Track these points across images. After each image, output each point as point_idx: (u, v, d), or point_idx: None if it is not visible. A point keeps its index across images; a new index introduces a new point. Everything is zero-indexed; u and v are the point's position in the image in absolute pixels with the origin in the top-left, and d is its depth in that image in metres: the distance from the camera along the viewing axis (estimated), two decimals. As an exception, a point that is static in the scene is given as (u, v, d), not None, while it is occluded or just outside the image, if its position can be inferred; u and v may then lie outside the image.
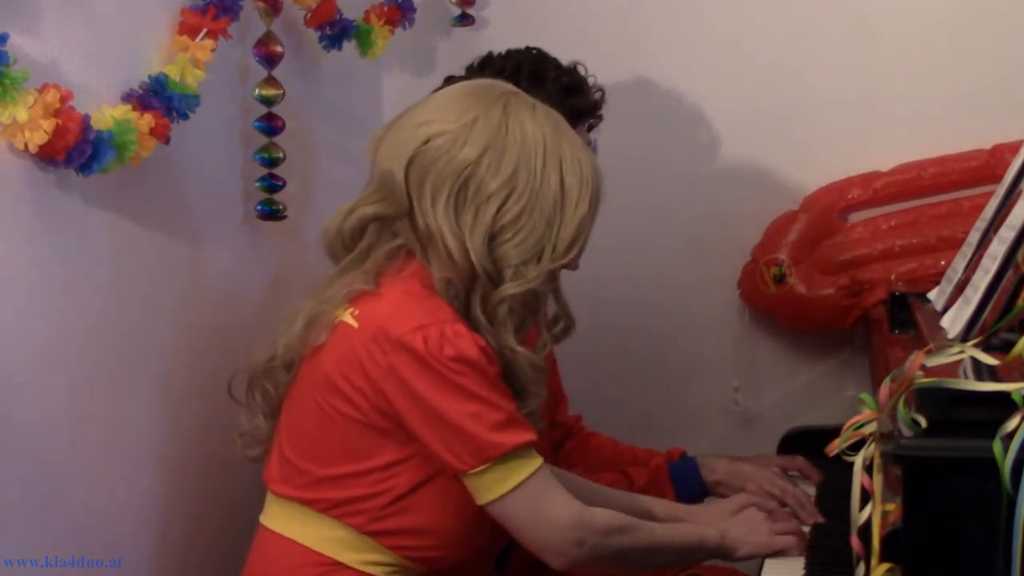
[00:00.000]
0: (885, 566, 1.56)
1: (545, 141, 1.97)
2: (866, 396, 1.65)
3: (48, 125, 1.81)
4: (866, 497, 1.61)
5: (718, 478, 2.42)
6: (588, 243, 2.02)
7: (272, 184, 2.46)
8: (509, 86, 2.06)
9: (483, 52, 2.50)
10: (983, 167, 2.83)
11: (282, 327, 2.02)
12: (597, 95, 2.45)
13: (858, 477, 1.61)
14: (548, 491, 1.93)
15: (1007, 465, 1.46)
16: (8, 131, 1.81)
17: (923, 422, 1.53)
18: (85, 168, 1.91)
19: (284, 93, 2.44)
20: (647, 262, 3.04)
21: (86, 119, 1.89)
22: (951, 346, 1.64)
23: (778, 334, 3.02)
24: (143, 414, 2.18)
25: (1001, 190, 2.22)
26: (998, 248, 1.93)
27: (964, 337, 1.87)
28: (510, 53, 2.46)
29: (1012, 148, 2.70)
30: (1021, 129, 2.78)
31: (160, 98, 2.07)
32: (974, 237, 2.23)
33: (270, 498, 2.05)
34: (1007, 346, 1.60)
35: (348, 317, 1.95)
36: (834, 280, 2.89)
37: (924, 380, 1.55)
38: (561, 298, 2.05)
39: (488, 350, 1.92)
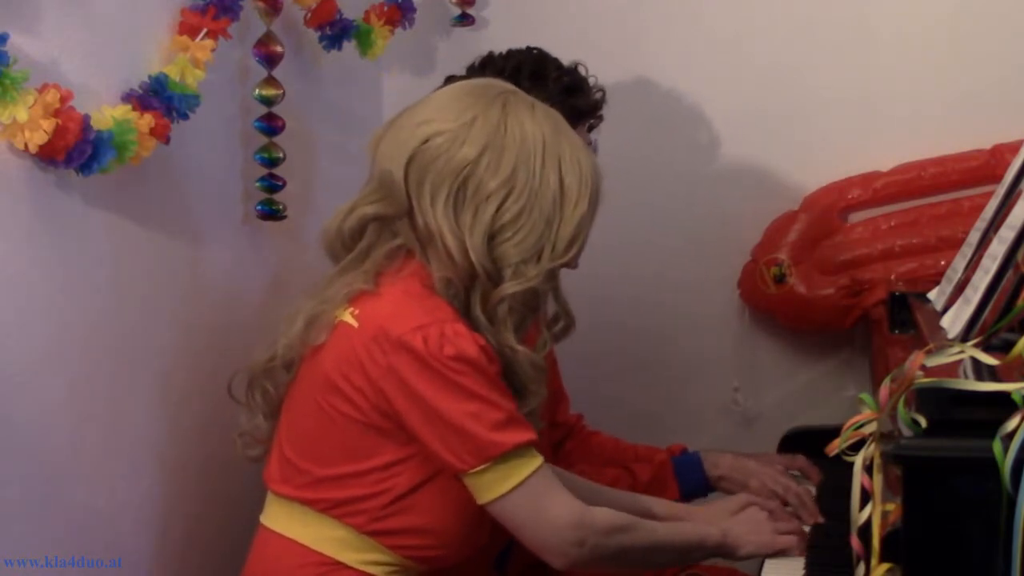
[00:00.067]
0: (885, 566, 1.56)
1: (544, 140, 1.97)
2: (866, 396, 1.65)
3: (48, 125, 1.81)
4: (866, 497, 1.61)
5: (722, 473, 2.43)
6: (588, 242, 2.02)
7: (272, 184, 2.46)
8: (508, 85, 2.06)
9: (483, 52, 2.50)
10: (983, 167, 2.83)
11: (282, 327, 2.02)
12: (598, 95, 2.45)
13: (858, 477, 1.61)
14: (548, 490, 1.93)
15: (1007, 465, 1.46)
16: (8, 131, 1.81)
17: (923, 422, 1.53)
18: (85, 168, 1.91)
19: (284, 93, 2.44)
20: (647, 262, 3.04)
21: (86, 119, 1.89)
22: (951, 346, 1.64)
23: (778, 334, 3.02)
24: (143, 414, 2.18)
25: (1001, 190, 2.22)
26: (998, 248, 1.93)
27: (964, 337, 1.87)
28: (511, 53, 2.46)
29: (1012, 148, 2.70)
30: (1021, 129, 2.78)
31: (160, 98, 2.07)
32: (974, 237, 2.23)
33: (270, 498, 2.05)
34: (1007, 346, 1.60)
35: (348, 317, 1.95)
36: (834, 280, 2.89)
37: (924, 380, 1.55)
38: (561, 297, 2.05)
39: (488, 349, 1.92)
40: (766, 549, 2.15)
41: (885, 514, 1.59)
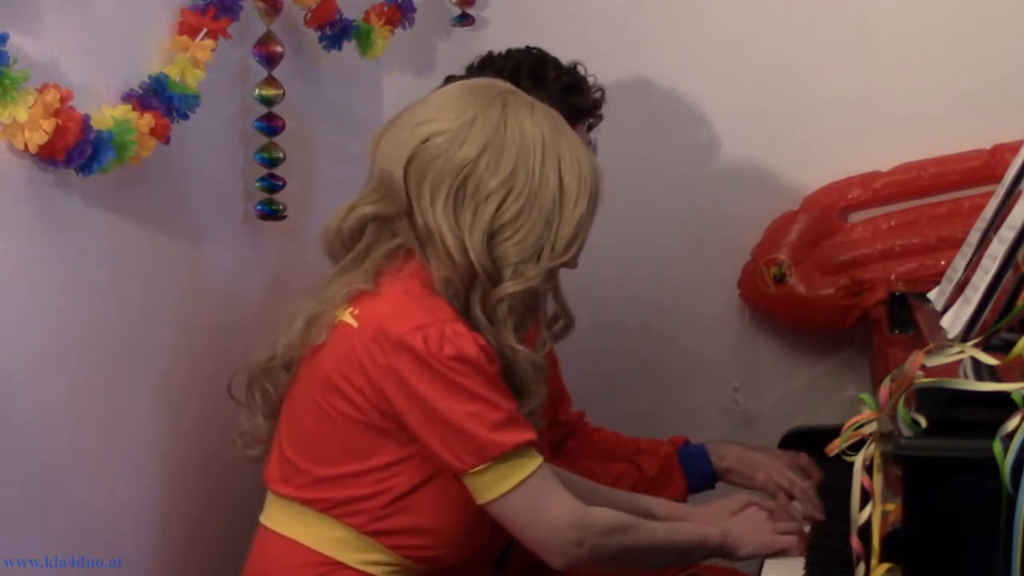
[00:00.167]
0: (885, 566, 1.56)
1: (544, 140, 1.97)
2: (866, 396, 1.65)
3: (48, 125, 1.81)
4: (866, 497, 1.61)
5: (728, 465, 2.43)
6: (587, 242, 2.02)
7: (272, 184, 2.46)
8: (508, 85, 2.06)
9: (483, 52, 2.50)
10: (983, 167, 2.83)
11: (282, 327, 2.03)
12: (597, 94, 2.45)
13: (858, 477, 1.61)
14: (548, 490, 1.93)
15: (1007, 465, 1.46)
16: (8, 131, 1.81)
17: (923, 422, 1.53)
18: (85, 168, 1.91)
19: (284, 93, 2.44)
20: (647, 262, 3.04)
21: (86, 119, 1.89)
22: (951, 346, 1.64)
23: (778, 334, 3.02)
24: (143, 414, 2.18)
25: (1001, 190, 2.22)
26: (998, 248, 1.93)
27: (964, 337, 1.87)
28: (510, 53, 2.46)
29: (1012, 148, 2.70)
30: (1021, 129, 2.78)
31: (160, 98, 2.07)
32: (974, 237, 2.23)
33: (270, 498, 2.05)
34: (1007, 346, 1.60)
35: (348, 317, 1.95)
36: (834, 280, 2.89)
37: (924, 380, 1.55)
38: (560, 296, 2.05)
39: (488, 349, 1.92)
40: (766, 549, 2.15)
41: (885, 514, 1.59)
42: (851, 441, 1.65)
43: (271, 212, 2.47)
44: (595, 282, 2.76)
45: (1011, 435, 1.47)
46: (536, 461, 1.92)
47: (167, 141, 2.09)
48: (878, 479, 1.60)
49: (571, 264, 2.01)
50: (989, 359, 1.60)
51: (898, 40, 2.90)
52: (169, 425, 2.24)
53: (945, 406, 1.54)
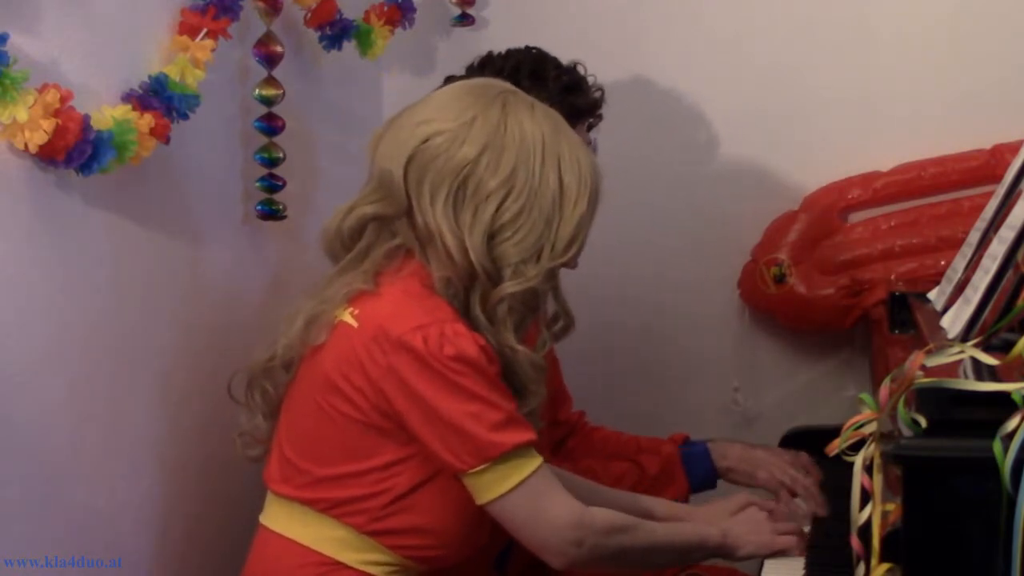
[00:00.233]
0: (885, 566, 1.56)
1: (544, 140, 1.97)
2: (866, 396, 1.65)
3: (48, 125, 1.81)
4: (866, 497, 1.61)
5: (730, 464, 2.43)
6: (588, 243, 2.02)
7: (272, 184, 2.46)
8: (508, 85, 2.06)
9: (483, 52, 2.50)
10: (983, 167, 2.83)
11: (282, 327, 2.03)
12: (597, 94, 2.45)
13: (858, 477, 1.61)
14: (548, 491, 1.93)
15: (1007, 465, 1.46)
16: (8, 131, 1.81)
17: (923, 422, 1.53)
18: (85, 168, 1.91)
19: (284, 93, 2.44)
20: (647, 262, 3.04)
21: (86, 119, 1.89)
22: (951, 346, 1.64)
23: (778, 334, 3.02)
24: (143, 414, 2.18)
25: (1001, 190, 2.22)
26: (998, 248, 1.93)
27: (964, 337, 1.87)
28: (510, 53, 2.46)
29: (1012, 148, 2.70)
30: (1021, 129, 2.78)
31: (160, 98, 2.07)
32: (974, 237, 2.23)
33: (270, 498, 2.05)
34: (1007, 346, 1.60)
35: (348, 317, 1.95)
36: (834, 280, 2.89)
37: (924, 380, 1.55)
38: (560, 296, 2.05)
39: (488, 349, 1.92)
40: (765, 549, 2.15)
41: (885, 514, 1.59)
42: (851, 441, 1.65)
43: (271, 212, 2.47)
44: (595, 282, 2.76)
45: (1011, 435, 1.47)
46: (536, 461, 1.92)
47: (167, 141, 2.09)
48: (878, 479, 1.60)
49: (571, 264, 2.01)
50: (989, 359, 1.60)
51: (898, 40, 2.90)
52: (169, 425, 2.24)
53: (945, 406, 1.54)
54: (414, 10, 2.88)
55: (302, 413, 2.00)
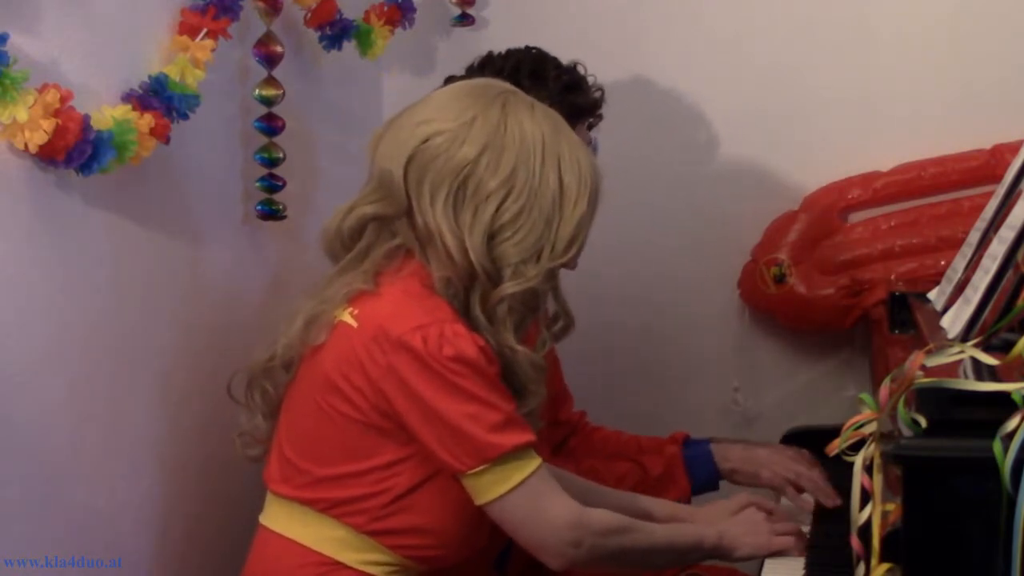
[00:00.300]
0: (885, 566, 1.56)
1: (544, 140, 1.97)
2: (866, 396, 1.65)
3: (48, 125, 1.81)
4: (866, 497, 1.61)
5: (733, 466, 2.42)
6: (588, 243, 2.02)
7: (272, 184, 2.46)
8: (508, 85, 2.06)
9: (483, 52, 2.50)
10: (983, 167, 2.83)
11: (282, 327, 2.03)
12: (597, 94, 2.45)
13: (858, 477, 1.61)
14: (546, 492, 1.93)
15: (1007, 465, 1.46)
16: (8, 131, 1.81)
17: (923, 422, 1.53)
18: (85, 168, 1.91)
19: (284, 93, 2.44)
20: (647, 262, 3.04)
21: (86, 119, 1.89)
22: (951, 346, 1.64)
23: (778, 334, 3.02)
24: (143, 414, 2.18)
25: (1001, 190, 2.22)
26: (998, 248, 1.93)
27: (964, 337, 1.87)
28: (510, 53, 2.46)
29: (1012, 148, 2.70)
30: (1021, 129, 2.78)
31: (160, 98, 2.07)
32: (974, 237, 2.23)
33: (270, 498, 2.05)
34: (1007, 346, 1.60)
35: (348, 317, 1.95)
36: (834, 280, 2.89)
37: (924, 380, 1.55)
38: (560, 296, 2.05)
39: (487, 350, 1.92)
40: (763, 550, 2.14)
41: (885, 514, 1.59)
42: (851, 441, 1.65)
43: (271, 212, 2.47)
44: (595, 282, 2.77)
45: (1011, 435, 1.47)
46: (535, 462, 1.92)
47: (167, 141, 2.09)
48: (878, 479, 1.60)
49: (571, 264, 2.01)
50: (989, 359, 1.60)
51: (898, 40, 2.90)
52: (169, 425, 2.24)
53: (945, 406, 1.54)
54: (414, 10, 2.88)
55: (302, 413, 2.00)
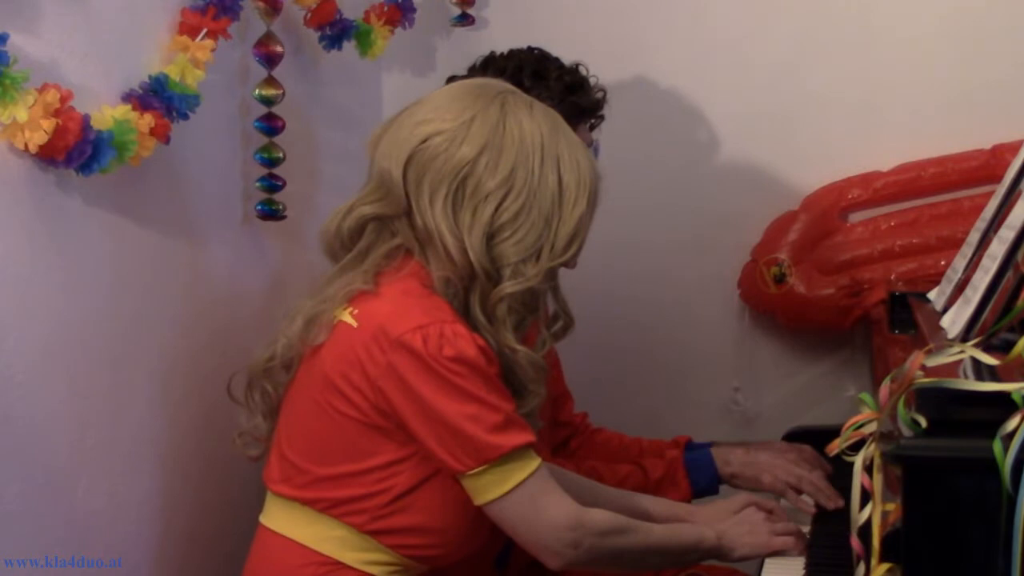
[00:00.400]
0: (885, 566, 1.56)
1: (543, 140, 1.97)
2: (866, 396, 1.65)
3: (48, 125, 1.81)
4: (866, 497, 1.61)
5: (733, 470, 2.42)
6: (588, 243, 2.02)
7: (272, 184, 2.46)
8: (507, 85, 2.06)
9: (483, 52, 2.50)
10: (983, 167, 2.83)
11: (281, 327, 2.03)
12: (599, 94, 2.45)
13: (858, 477, 1.61)
14: (546, 492, 1.93)
15: (1007, 465, 1.46)
16: (8, 131, 1.81)
17: (923, 422, 1.53)
18: (85, 168, 1.91)
19: (284, 93, 2.44)
20: (647, 262, 3.04)
21: (86, 119, 1.89)
22: (951, 346, 1.64)
23: (778, 334, 3.02)
24: (143, 414, 2.18)
25: (1001, 190, 2.22)
26: (998, 248, 1.93)
27: (964, 337, 1.87)
28: (513, 53, 2.46)
29: (1012, 148, 2.70)
30: (1021, 129, 2.78)
31: (160, 98, 2.07)
32: (974, 237, 2.23)
33: (270, 498, 2.05)
34: (1007, 346, 1.60)
35: (347, 317, 1.95)
36: (834, 280, 2.89)
37: (924, 380, 1.55)
38: (560, 296, 2.05)
39: (487, 350, 1.92)
40: (762, 550, 2.14)
41: (885, 514, 1.59)
42: (851, 441, 1.65)
43: (271, 212, 2.47)
44: (596, 282, 2.76)
45: (1011, 435, 1.47)
46: (534, 463, 1.92)
47: (167, 141, 2.09)
48: (878, 479, 1.60)
49: (570, 264, 2.01)
50: (989, 359, 1.60)
51: (898, 40, 2.90)
52: (169, 425, 2.24)
53: (945, 406, 1.54)
54: (414, 10, 2.88)
55: (302, 413, 2.00)
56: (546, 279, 1.98)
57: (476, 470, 1.89)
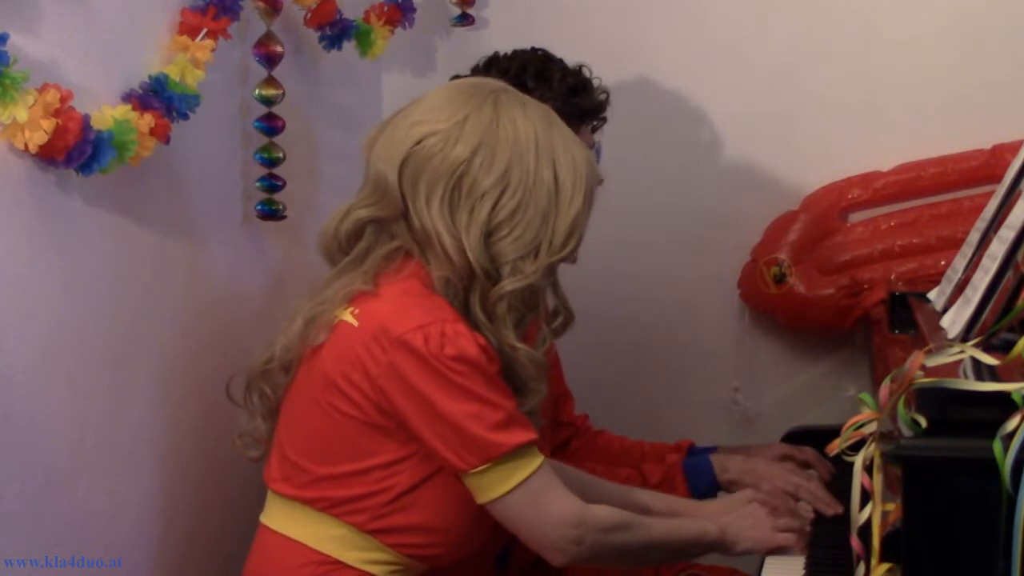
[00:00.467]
0: (885, 566, 1.56)
1: (537, 137, 1.97)
2: (866, 396, 1.65)
3: (48, 125, 1.81)
4: (866, 497, 1.61)
5: (732, 477, 2.42)
6: (587, 243, 2.02)
7: (272, 184, 2.46)
8: (500, 83, 2.06)
9: (483, 52, 2.50)
10: (983, 167, 2.83)
11: (280, 328, 2.03)
12: (602, 96, 2.44)
13: (858, 477, 1.61)
14: (549, 489, 1.93)
15: (1007, 465, 1.46)
16: (8, 131, 1.81)
17: (923, 422, 1.53)
18: (85, 168, 1.91)
19: (284, 93, 2.44)
20: (647, 262, 3.04)
21: (86, 119, 1.89)
22: (951, 346, 1.64)
23: (778, 334, 3.02)
24: (143, 414, 2.18)
25: (1001, 190, 2.22)
26: (998, 248, 1.93)
27: (964, 337, 1.87)
28: (516, 54, 2.46)
29: (1012, 148, 2.70)
30: (1021, 129, 2.78)
31: (160, 98, 2.07)
32: (974, 237, 2.23)
33: (271, 497, 2.05)
34: (1007, 346, 1.60)
35: (348, 316, 1.95)
36: (834, 280, 2.89)
37: (924, 380, 1.55)
38: (559, 291, 2.05)
39: (488, 349, 1.92)
40: (764, 545, 2.14)
41: (885, 514, 1.59)
42: (851, 441, 1.65)
43: (271, 212, 2.47)
44: (596, 282, 2.77)
45: (1011, 435, 1.47)
46: (537, 460, 1.92)
47: (167, 141, 2.09)
48: (878, 479, 1.60)
49: (570, 259, 2.01)
50: (989, 359, 1.60)
51: (898, 40, 2.90)
52: (169, 425, 2.24)
53: (945, 406, 1.54)
54: (414, 10, 2.88)
55: (302, 412, 2.00)
56: (545, 275, 1.98)
57: (479, 468, 1.89)
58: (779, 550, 2.14)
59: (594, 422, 2.64)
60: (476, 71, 2.45)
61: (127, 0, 2.09)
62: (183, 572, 2.29)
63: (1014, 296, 1.82)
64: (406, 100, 2.09)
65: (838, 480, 2.28)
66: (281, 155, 2.46)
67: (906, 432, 1.54)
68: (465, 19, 3.01)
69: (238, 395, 2.09)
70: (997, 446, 1.47)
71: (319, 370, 1.96)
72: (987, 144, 2.84)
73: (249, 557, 2.07)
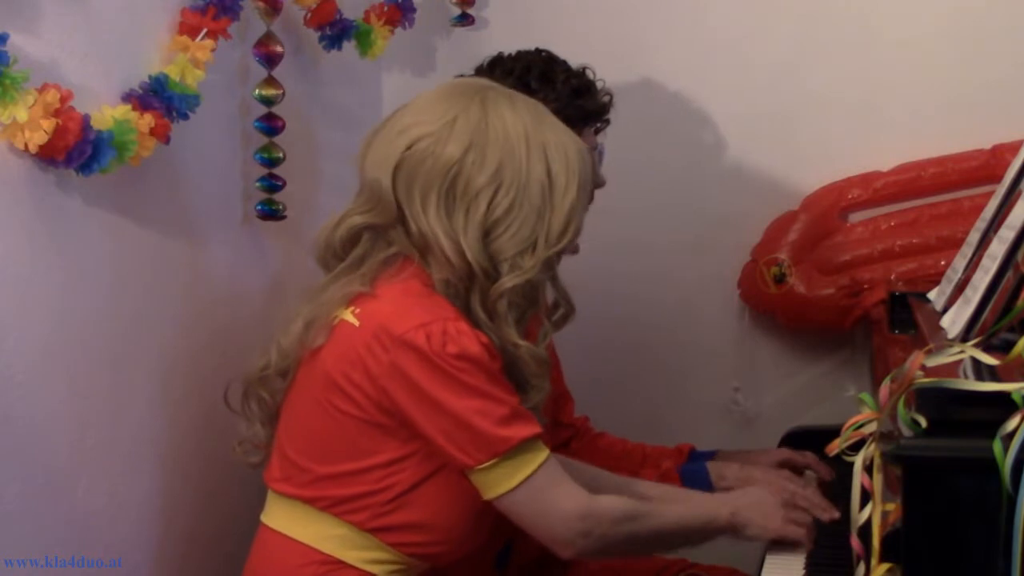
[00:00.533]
0: (885, 566, 1.56)
1: (527, 131, 1.97)
2: (866, 396, 1.65)
3: (48, 125, 1.81)
4: (866, 497, 1.61)
5: (728, 484, 2.41)
6: (587, 242, 2.02)
7: (272, 184, 2.46)
8: (486, 82, 2.06)
9: (483, 52, 2.50)
10: (983, 167, 2.83)
11: (276, 333, 2.02)
12: (605, 98, 2.44)
13: (858, 477, 1.61)
14: (556, 483, 1.93)
15: (1007, 465, 1.46)
16: (8, 131, 1.81)
17: (923, 422, 1.53)
18: (85, 168, 1.91)
19: (284, 93, 2.44)
20: (647, 262, 3.04)
21: (86, 119, 1.89)
22: (951, 346, 1.64)
23: (778, 334, 3.02)
24: (143, 414, 2.18)
25: (1001, 190, 2.22)
26: (998, 248, 1.93)
27: (964, 337, 1.87)
28: (520, 55, 2.45)
29: (1012, 148, 2.70)
30: (1021, 129, 2.78)
31: (160, 98, 2.08)
32: (974, 237, 2.23)
33: (271, 497, 2.05)
34: (1007, 346, 1.60)
35: (349, 316, 1.95)
36: (834, 280, 2.89)
37: (924, 380, 1.55)
38: (559, 284, 2.05)
39: (490, 346, 1.92)
40: (773, 534, 2.13)
41: (885, 514, 1.59)
42: (851, 441, 1.65)
43: (271, 212, 2.47)
44: (596, 282, 2.76)
45: (1011, 435, 1.47)
46: (543, 454, 1.92)
47: (167, 141, 2.09)
48: (878, 479, 1.60)
49: (570, 250, 2.01)
50: (989, 359, 1.60)
51: (898, 40, 2.90)
52: (169, 425, 2.24)
53: (945, 406, 1.54)
54: (414, 10, 2.88)
55: (303, 412, 2.00)
56: (544, 269, 1.98)
57: (486, 464, 1.89)
58: (785, 545, 2.13)
59: (594, 422, 2.64)
60: (480, 72, 2.45)
61: (127, 0, 2.09)
62: (183, 572, 2.29)
63: (1014, 296, 1.82)
64: (406, 100, 2.09)
65: (838, 480, 2.28)
66: (281, 155, 2.46)
67: (906, 432, 1.54)
68: (465, 19, 3.01)
69: (236, 402, 2.09)
70: (997, 446, 1.47)
71: (320, 370, 1.96)
72: (987, 144, 2.84)
73: (250, 557, 2.07)
